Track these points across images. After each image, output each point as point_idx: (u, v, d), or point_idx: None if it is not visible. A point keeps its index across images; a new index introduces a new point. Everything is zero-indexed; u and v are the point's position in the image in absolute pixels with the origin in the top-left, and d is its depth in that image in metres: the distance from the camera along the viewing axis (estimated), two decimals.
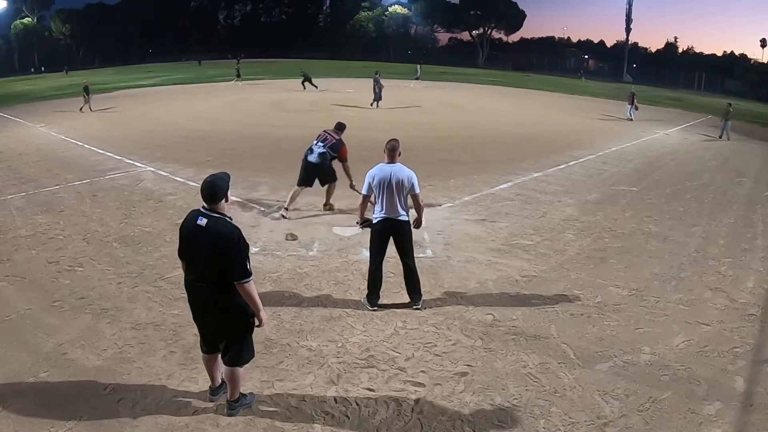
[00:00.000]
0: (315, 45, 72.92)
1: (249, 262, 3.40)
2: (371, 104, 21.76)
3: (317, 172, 7.87)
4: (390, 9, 75.00)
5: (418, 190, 5.08)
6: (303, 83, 28.28)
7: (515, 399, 3.99)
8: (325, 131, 8.02)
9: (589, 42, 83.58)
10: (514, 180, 10.74)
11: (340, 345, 4.63)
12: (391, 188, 4.98)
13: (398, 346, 4.63)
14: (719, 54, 72.63)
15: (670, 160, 13.77)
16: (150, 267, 6.17)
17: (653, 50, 78.55)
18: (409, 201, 5.18)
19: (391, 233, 5.14)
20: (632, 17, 65.29)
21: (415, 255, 5.36)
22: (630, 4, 64.86)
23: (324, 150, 7.79)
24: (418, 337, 4.80)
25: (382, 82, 22.20)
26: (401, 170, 5.02)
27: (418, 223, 5.33)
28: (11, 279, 5.83)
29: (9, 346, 4.49)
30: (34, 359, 4.31)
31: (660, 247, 7.30)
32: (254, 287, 3.42)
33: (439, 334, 4.86)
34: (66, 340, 4.60)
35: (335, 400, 3.92)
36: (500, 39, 79.87)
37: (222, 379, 3.81)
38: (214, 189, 3.38)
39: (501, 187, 10.19)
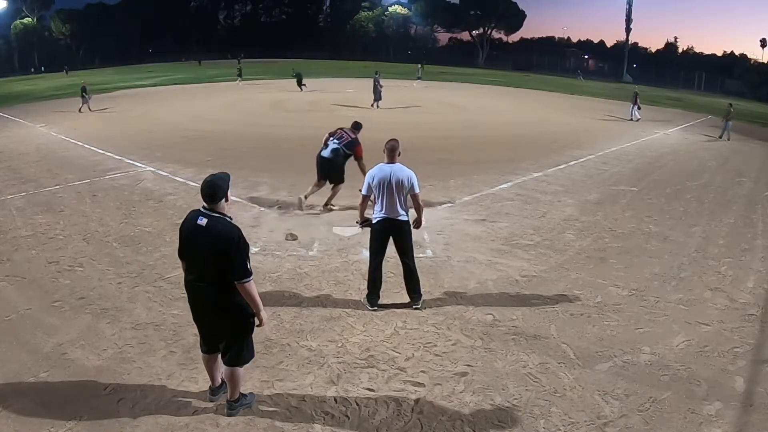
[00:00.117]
0: (315, 45, 72.98)
1: (249, 262, 3.40)
2: (371, 104, 21.77)
3: (328, 167, 7.94)
4: (390, 9, 75.05)
5: (417, 190, 5.08)
6: (300, 84, 28.16)
7: (515, 399, 3.99)
8: (341, 129, 8.10)
9: (589, 42, 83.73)
10: (514, 180, 10.74)
11: (340, 345, 4.63)
12: (390, 188, 4.98)
13: (398, 346, 4.63)
14: (719, 54, 72.81)
15: (670, 160, 13.77)
16: (150, 267, 6.17)
17: (653, 50, 78.72)
18: (409, 201, 5.18)
19: (391, 233, 5.13)
20: (632, 17, 65.40)
21: (415, 255, 5.36)
22: (630, 4, 64.95)
23: (338, 146, 7.86)
24: (418, 337, 4.80)
25: (382, 82, 22.22)
26: (401, 170, 5.02)
27: (417, 224, 5.33)
28: (11, 279, 5.83)
29: (9, 346, 4.49)
30: (34, 359, 4.31)
31: (660, 247, 7.30)
32: (254, 287, 3.42)
33: (439, 334, 4.86)
34: (66, 340, 4.60)
35: (335, 400, 3.92)
36: (500, 39, 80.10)
37: (222, 379, 3.81)
38: (214, 189, 3.38)
39: (501, 187, 10.19)
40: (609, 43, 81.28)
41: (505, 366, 4.39)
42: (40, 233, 7.23)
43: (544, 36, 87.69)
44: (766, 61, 60.27)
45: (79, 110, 19.64)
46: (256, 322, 3.54)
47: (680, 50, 76.85)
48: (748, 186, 11.36)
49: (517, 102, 27.90)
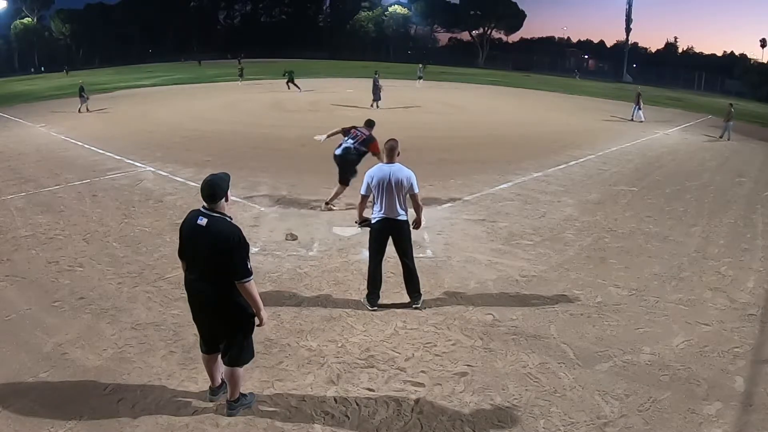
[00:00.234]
0: (315, 45, 73.00)
1: (249, 262, 3.40)
2: (371, 104, 21.78)
3: (341, 165, 8.05)
4: (390, 9, 75.05)
5: (417, 190, 5.08)
6: (294, 84, 27.87)
7: (515, 399, 3.99)
8: (354, 128, 8.21)
9: (589, 42, 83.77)
10: (514, 180, 10.74)
11: (340, 345, 4.63)
12: (390, 188, 4.98)
13: (398, 346, 4.63)
14: (719, 54, 72.87)
15: (670, 160, 13.77)
16: (150, 267, 6.17)
17: (653, 50, 78.80)
18: (409, 201, 5.18)
19: (390, 233, 5.14)
20: (632, 17, 65.40)
21: (415, 255, 5.36)
22: (630, 4, 64.96)
23: (350, 145, 7.95)
24: (418, 337, 4.80)
25: (381, 82, 22.21)
26: (400, 170, 5.02)
27: (417, 224, 5.33)
28: (11, 279, 5.83)
29: (9, 346, 4.49)
30: (34, 359, 4.31)
31: (660, 247, 7.30)
32: (255, 286, 3.42)
33: (439, 334, 4.86)
34: (66, 340, 4.60)
35: (335, 400, 3.92)
36: (500, 39, 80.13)
37: (222, 379, 3.81)
38: (214, 188, 3.38)
39: (501, 187, 10.19)
40: (609, 43, 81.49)
41: (505, 366, 4.39)
42: (40, 233, 7.23)
43: (544, 36, 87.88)
44: (766, 61, 60.29)
45: (79, 110, 19.64)
46: (257, 321, 3.55)
47: (680, 50, 77.00)
48: (748, 186, 11.36)
49: (517, 102, 27.91)
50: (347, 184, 8.14)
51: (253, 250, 6.30)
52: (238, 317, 3.51)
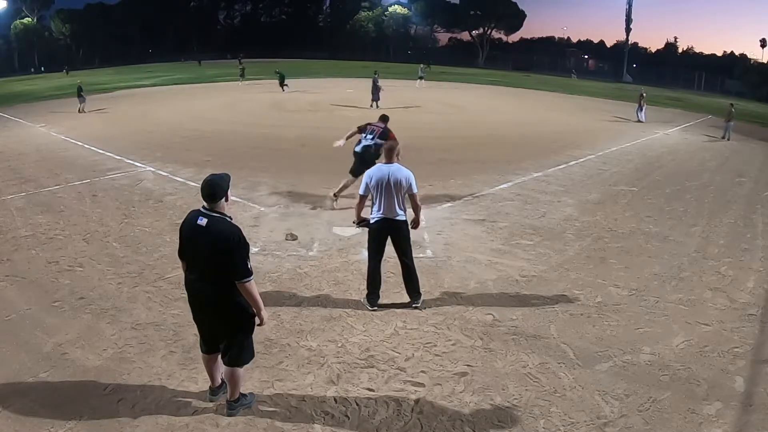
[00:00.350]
0: (315, 45, 72.99)
1: (249, 262, 3.40)
2: (370, 104, 21.78)
3: (360, 161, 8.09)
4: (390, 9, 75.04)
5: (415, 190, 5.08)
6: (282, 85, 27.75)
7: (515, 399, 3.99)
8: (370, 124, 8.32)
9: (589, 42, 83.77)
10: (514, 180, 10.74)
11: (340, 345, 4.63)
12: (389, 188, 4.98)
13: (398, 346, 4.63)
14: (719, 54, 72.86)
15: (670, 160, 13.77)
16: (150, 267, 6.17)
17: (653, 50, 78.78)
18: (408, 201, 5.18)
19: (389, 233, 5.14)
20: (632, 17, 65.31)
21: (415, 255, 5.36)
22: (630, 4, 64.90)
23: (371, 142, 8.02)
24: (418, 337, 4.80)
25: (380, 82, 22.20)
26: (399, 170, 5.02)
27: (415, 224, 5.33)
28: (11, 279, 5.83)
29: (9, 346, 4.49)
30: (34, 359, 4.31)
31: (660, 247, 7.30)
32: (255, 286, 3.42)
33: (439, 334, 4.86)
34: (66, 340, 4.60)
35: (335, 400, 3.92)
36: (500, 39, 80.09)
37: (222, 379, 3.81)
38: (214, 188, 3.38)
39: (501, 187, 10.19)
40: (609, 43, 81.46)
41: (505, 366, 4.39)
42: (40, 233, 7.23)
43: (544, 36, 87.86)
44: (766, 61, 60.29)
45: (78, 111, 19.65)
46: (257, 321, 3.55)
47: (680, 50, 76.97)
48: (748, 186, 11.36)
49: (517, 102, 27.90)
50: (357, 177, 8.24)
51: (253, 250, 6.30)
52: (238, 317, 3.51)
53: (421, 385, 4.12)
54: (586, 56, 76.21)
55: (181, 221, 3.56)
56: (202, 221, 3.35)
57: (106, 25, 65.01)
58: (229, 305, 3.44)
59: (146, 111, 20.58)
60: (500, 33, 77.71)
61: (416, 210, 5.25)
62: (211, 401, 3.83)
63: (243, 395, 3.80)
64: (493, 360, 4.47)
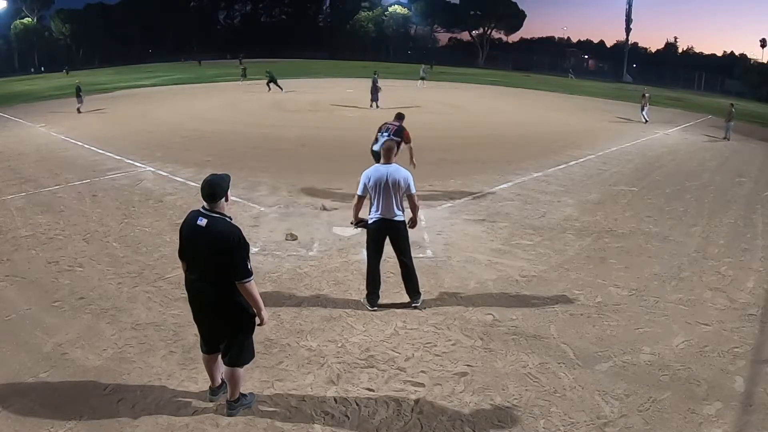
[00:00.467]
0: (315, 45, 72.98)
1: (249, 262, 3.40)
2: (370, 104, 21.78)
3: (378, 158, 8.11)
4: (390, 9, 75.03)
5: (414, 191, 5.08)
6: (269, 85, 27.58)
7: (515, 399, 3.99)
8: (385, 123, 8.50)
9: (589, 42, 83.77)
10: (514, 180, 10.74)
11: (340, 345, 4.63)
12: (387, 189, 4.98)
13: (398, 346, 4.63)
14: (719, 54, 72.85)
15: (670, 160, 13.77)
16: (150, 267, 6.17)
17: (653, 50, 78.77)
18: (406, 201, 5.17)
19: (388, 233, 5.14)
20: (632, 17, 65.30)
21: (415, 255, 5.37)
22: (630, 4, 64.88)
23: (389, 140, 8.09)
24: (418, 337, 4.80)
25: (380, 83, 22.20)
26: (397, 171, 5.02)
27: (413, 223, 5.33)
28: (11, 279, 5.83)
29: (9, 346, 4.49)
30: (34, 359, 4.31)
31: (660, 247, 7.30)
32: (255, 286, 3.42)
33: (439, 334, 4.86)
34: (66, 340, 4.60)
35: (335, 400, 3.92)
36: (500, 39, 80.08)
37: (222, 379, 3.82)
38: (214, 188, 3.38)
39: (501, 187, 10.19)
40: (609, 43, 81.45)
41: (505, 366, 4.39)
42: (40, 233, 7.23)
43: (544, 36, 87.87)
44: (766, 61, 60.28)
45: (78, 111, 19.65)
46: (257, 321, 3.55)
47: (680, 50, 76.97)
48: (748, 186, 11.36)
49: (517, 102, 27.91)
50: None
51: (253, 250, 6.30)
52: (238, 317, 3.51)
53: (421, 385, 4.12)
54: (586, 56, 76.21)
55: (181, 221, 3.56)
56: (202, 221, 3.35)
57: (106, 25, 65.03)
58: (230, 305, 3.44)
59: (146, 111, 20.58)
60: (500, 33, 77.83)
61: (414, 210, 5.25)
62: (211, 401, 3.83)
63: (243, 395, 3.80)
64: (493, 360, 4.47)
